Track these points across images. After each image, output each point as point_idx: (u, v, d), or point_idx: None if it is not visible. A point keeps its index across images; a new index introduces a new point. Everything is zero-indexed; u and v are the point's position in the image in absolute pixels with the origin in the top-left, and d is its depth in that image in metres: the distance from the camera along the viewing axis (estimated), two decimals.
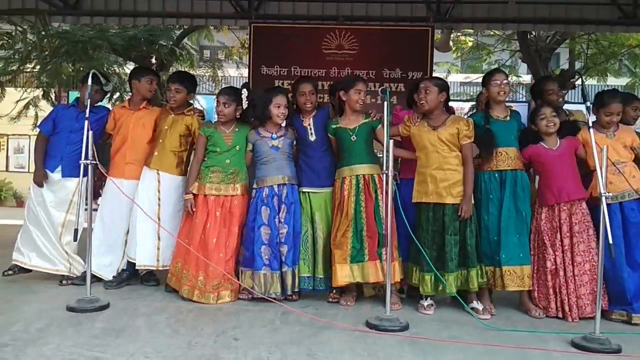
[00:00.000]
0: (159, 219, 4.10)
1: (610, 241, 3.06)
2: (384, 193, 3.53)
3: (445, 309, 3.87)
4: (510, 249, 3.76)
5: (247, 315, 3.59)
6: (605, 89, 4.15)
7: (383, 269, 3.78)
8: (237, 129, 4.05)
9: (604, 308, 3.65)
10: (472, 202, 3.77)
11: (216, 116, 4.06)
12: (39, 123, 4.39)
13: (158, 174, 4.18)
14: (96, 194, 4.12)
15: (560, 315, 3.72)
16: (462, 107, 8.44)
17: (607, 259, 3.65)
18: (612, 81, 9.37)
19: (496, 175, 3.85)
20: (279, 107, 3.96)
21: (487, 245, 3.83)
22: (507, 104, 4.07)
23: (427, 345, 3.15)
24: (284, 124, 4.02)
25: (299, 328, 3.37)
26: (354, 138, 3.91)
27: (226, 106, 3.99)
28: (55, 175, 4.24)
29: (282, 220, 3.93)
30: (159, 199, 4.16)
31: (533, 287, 3.81)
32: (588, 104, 3.36)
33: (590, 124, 3.35)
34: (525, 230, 3.82)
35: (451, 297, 3.80)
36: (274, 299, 3.80)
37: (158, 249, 4.14)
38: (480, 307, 3.74)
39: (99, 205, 4.32)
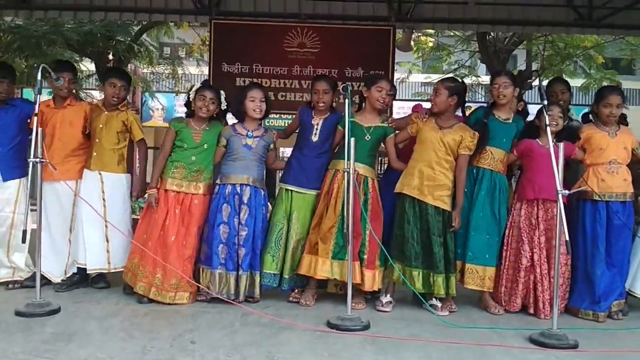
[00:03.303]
0: (105, 221, 3.95)
1: (567, 238, 3.11)
2: (346, 190, 3.49)
3: (406, 307, 3.86)
4: (477, 248, 3.79)
5: (205, 318, 3.50)
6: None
7: (362, 272, 3.76)
8: (207, 128, 3.95)
9: (566, 305, 3.77)
10: None
11: (199, 110, 3.88)
12: None
13: (100, 174, 4.03)
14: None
15: (531, 311, 3.77)
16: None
17: (582, 257, 3.77)
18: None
19: (473, 170, 3.87)
20: (253, 100, 3.89)
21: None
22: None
23: (388, 344, 3.13)
24: (261, 122, 3.98)
25: (258, 329, 3.30)
26: (367, 137, 3.84)
27: (212, 102, 3.90)
28: None
29: (243, 222, 3.84)
30: (104, 200, 4.00)
31: (501, 282, 3.84)
32: (545, 102, 3.42)
33: (547, 122, 3.40)
34: (497, 232, 3.84)
35: (412, 294, 3.81)
36: (233, 300, 3.73)
37: (108, 251, 3.99)
38: (439, 304, 3.75)
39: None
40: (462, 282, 3.83)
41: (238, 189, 3.86)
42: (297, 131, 4.22)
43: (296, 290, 3.97)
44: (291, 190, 3.96)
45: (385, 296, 3.82)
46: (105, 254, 4.00)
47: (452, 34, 9.37)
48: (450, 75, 9.32)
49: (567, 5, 6.05)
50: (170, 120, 4.08)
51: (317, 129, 3.98)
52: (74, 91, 4.34)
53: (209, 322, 3.41)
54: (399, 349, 3.05)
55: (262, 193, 3.95)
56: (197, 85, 4.05)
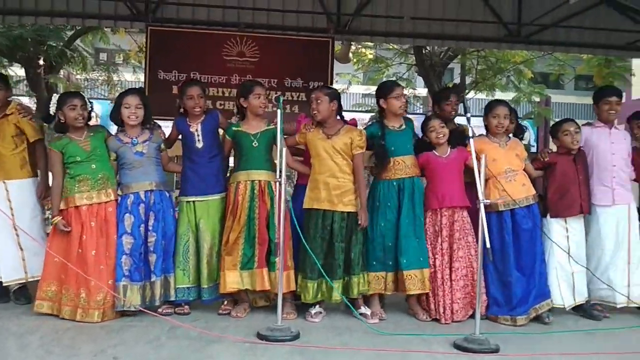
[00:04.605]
0: (15, 230, 3.81)
1: (488, 246, 3.22)
2: (278, 200, 3.50)
3: (337, 316, 3.89)
4: (411, 253, 3.85)
5: (131, 332, 3.40)
6: None
7: (271, 277, 3.75)
8: (91, 133, 3.80)
9: (482, 312, 3.78)
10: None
11: (74, 121, 3.72)
12: None
13: (4, 182, 3.89)
14: None
15: (436, 317, 3.85)
16: (362, 118, 8.62)
17: (495, 264, 3.85)
18: (500, 95, 9.87)
19: (394, 183, 3.94)
20: (128, 107, 3.76)
21: (381, 251, 3.91)
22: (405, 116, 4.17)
23: (317, 353, 3.14)
24: (142, 126, 3.85)
25: (186, 343, 3.24)
26: (255, 144, 3.85)
27: (84, 109, 3.76)
28: None
29: (151, 228, 3.76)
30: (12, 208, 3.86)
31: None
32: (468, 115, 3.54)
33: (471, 135, 3.52)
34: (423, 234, 3.93)
35: (343, 304, 3.84)
36: (150, 307, 3.65)
37: (23, 259, 3.86)
38: (368, 312, 3.81)
39: None
40: (404, 290, 3.88)
41: (142, 196, 3.76)
42: (179, 139, 4.13)
43: (226, 302, 3.93)
44: (193, 201, 3.89)
45: (314, 307, 3.84)
46: (21, 262, 3.86)
47: (390, 47, 9.57)
48: None
49: (497, 21, 6.30)
50: (48, 143, 3.87)
51: (198, 135, 3.93)
52: None
53: (135, 336, 3.32)
54: (328, 358, 3.08)
55: (168, 195, 3.88)
56: (55, 97, 3.89)
